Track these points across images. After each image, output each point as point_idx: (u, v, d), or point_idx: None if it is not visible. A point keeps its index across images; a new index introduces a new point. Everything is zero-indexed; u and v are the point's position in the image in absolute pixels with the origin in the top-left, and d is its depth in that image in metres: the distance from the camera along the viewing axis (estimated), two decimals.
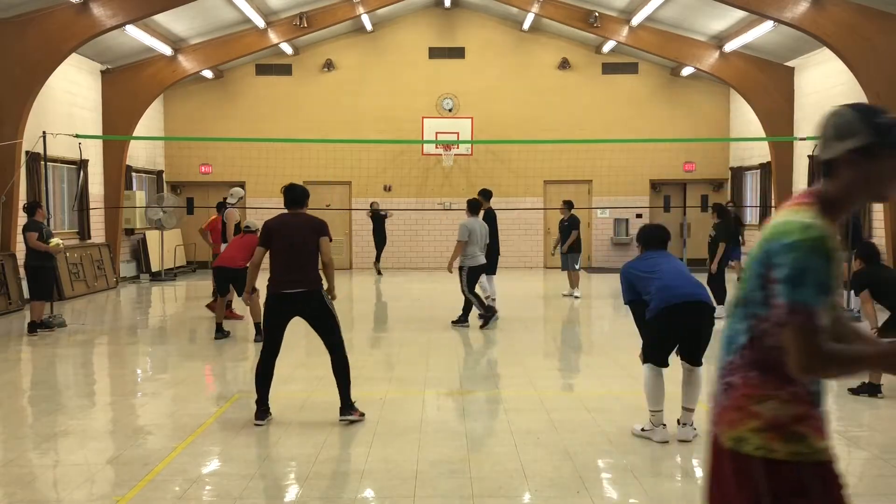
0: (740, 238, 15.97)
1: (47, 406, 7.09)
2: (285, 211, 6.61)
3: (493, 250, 11.47)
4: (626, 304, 6.09)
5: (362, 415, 6.37)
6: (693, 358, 5.87)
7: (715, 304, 7.59)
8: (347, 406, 6.31)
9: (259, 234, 6.69)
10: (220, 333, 10.36)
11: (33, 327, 10.68)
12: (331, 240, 6.53)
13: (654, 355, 5.85)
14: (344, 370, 6.33)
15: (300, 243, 6.34)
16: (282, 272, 6.31)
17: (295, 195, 6.58)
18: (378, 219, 19.30)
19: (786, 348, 2.22)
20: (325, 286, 6.47)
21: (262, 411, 6.30)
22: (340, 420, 6.24)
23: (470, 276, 10.81)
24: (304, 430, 6.15)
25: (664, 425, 5.82)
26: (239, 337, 11.26)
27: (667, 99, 20.94)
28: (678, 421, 5.87)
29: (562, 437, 5.92)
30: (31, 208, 11.04)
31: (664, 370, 5.84)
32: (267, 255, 6.47)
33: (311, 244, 6.37)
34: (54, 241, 10.81)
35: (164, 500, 4.72)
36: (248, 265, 9.53)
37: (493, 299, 11.51)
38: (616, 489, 4.93)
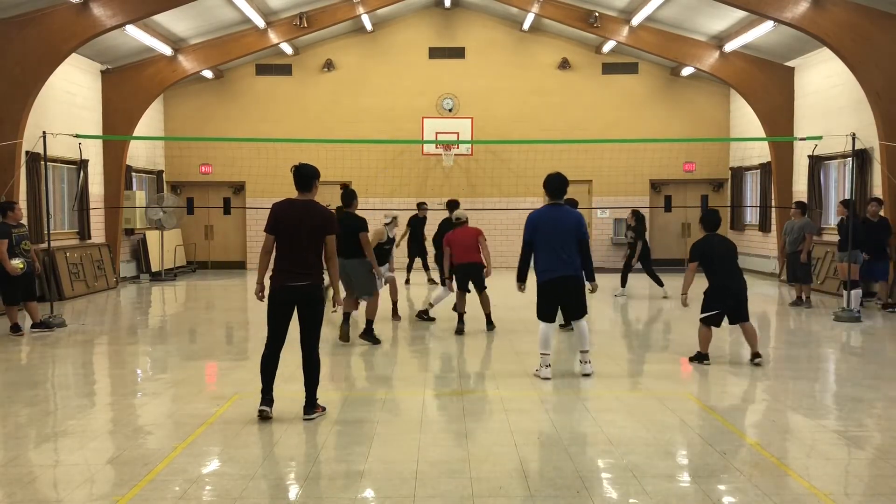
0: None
1: (47, 406, 7.10)
2: (295, 196, 6.46)
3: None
4: (524, 241, 7.75)
5: (324, 409, 6.53)
6: (568, 316, 8.31)
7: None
8: (312, 405, 6.42)
9: (268, 217, 6.41)
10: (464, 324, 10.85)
11: (17, 328, 10.63)
12: (336, 233, 6.43)
13: (541, 314, 7.80)
14: (314, 369, 6.40)
15: (306, 238, 6.27)
16: (286, 266, 6.29)
17: (301, 176, 6.42)
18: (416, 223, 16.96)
19: None
20: (327, 282, 6.45)
21: (267, 400, 6.35)
22: (305, 419, 6.33)
23: None
24: (304, 430, 6.15)
25: (548, 366, 7.81)
26: (238, 338, 11.27)
27: (667, 99, 20.93)
28: (579, 361, 7.94)
29: (562, 437, 5.93)
30: (3, 209, 10.63)
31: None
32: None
33: (316, 239, 6.31)
34: (15, 261, 10.43)
35: (164, 500, 4.72)
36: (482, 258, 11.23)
37: (432, 305, 11.98)
38: (616, 489, 4.92)
